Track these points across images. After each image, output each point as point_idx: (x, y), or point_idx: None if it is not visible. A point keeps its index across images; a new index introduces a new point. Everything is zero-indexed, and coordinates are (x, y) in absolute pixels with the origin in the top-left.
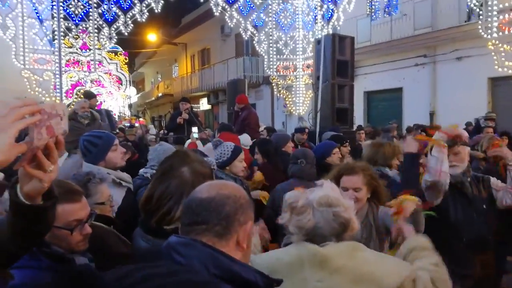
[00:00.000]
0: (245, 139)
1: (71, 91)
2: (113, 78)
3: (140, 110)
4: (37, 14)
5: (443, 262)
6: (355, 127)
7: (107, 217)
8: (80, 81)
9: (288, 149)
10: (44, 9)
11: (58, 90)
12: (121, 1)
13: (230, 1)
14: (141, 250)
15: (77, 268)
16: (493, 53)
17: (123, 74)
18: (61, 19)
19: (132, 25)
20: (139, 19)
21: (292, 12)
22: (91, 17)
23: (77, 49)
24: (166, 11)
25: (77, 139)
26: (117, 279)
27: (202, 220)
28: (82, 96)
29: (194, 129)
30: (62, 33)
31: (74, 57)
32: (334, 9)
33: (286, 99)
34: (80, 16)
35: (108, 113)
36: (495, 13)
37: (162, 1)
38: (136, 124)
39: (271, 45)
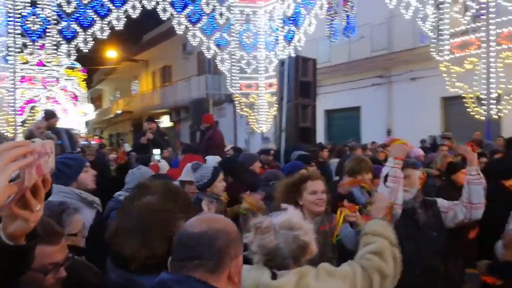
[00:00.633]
0: (214, 160)
1: (24, 108)
2: (68, 95)
3: (98, 127)
4: None
5: None
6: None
7: (79, 248)
8: (34, 98)
9: (255, 169)
10: (0, 24)
11: (11, 107)
12: (80, 18)
13: (193, 20)
14: (114, 283)
15: None
16: (445, 75)
17: (79, 91)
18: (18, 35)
19: (92, 42)
20: (99, 36)
21: (254, 32)
22: (49, 34)
23: (32, 66)
24: (127, 28)
25: None
26: None
27: (194, 255)
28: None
29: (156, 151)
30: (18, 49)
31: (29, 74)
32: (295, 30)
33: (249, 117)
34: (38, 33)
35: (68, 132)
36: (446, 36)
37: (124, 19)
38: (93, 142)
39: (233, 64)
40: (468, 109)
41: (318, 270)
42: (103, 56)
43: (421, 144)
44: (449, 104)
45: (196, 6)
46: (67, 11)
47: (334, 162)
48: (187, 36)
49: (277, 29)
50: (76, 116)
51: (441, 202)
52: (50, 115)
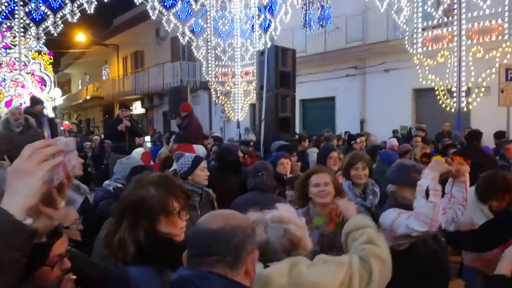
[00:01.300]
0: (201, 150)
1: None
2: (35, 79)
3: (66, 112)
4: None
5: None
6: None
7: (75, 241)
8: None
9: None
10: None
11: None
12: (50, 0)
13: (168, 6)
14: (112, 275)
15: None
16: (417, 67)
17: (47, 75)
18: None
19: (62, 25)
20: (70, 20)
21: (230, 20)
22: (16, 16)
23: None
24: (97, 11)
25: (5, 150)
26: None
27: (213, 252)
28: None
29: (147, 138)
30: None
31: None
32: (271, 19)
33: (225, 105)
34: (4, 14)
35: (50, 120)
36: (419, 30)
37: (95, 2)
38: (61, 128)
39: (209, 51)
40: (438, 101)
41: (314, 259)
42: (71, 40)
43: (393, 134)
44: (421, 96)
45: None
46: None
47: (312, 151)
48: (162, 21)
49: (253, 17)
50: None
51: None
52: (34, 102)
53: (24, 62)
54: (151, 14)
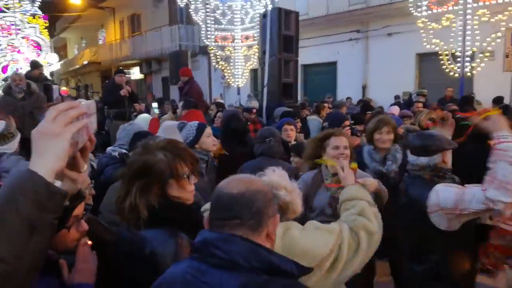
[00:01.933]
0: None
1: None
2: (31, 43)
3: (64, 78)
4: None
5: None
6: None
7: (84, 196)
8: None
9: None
10: None
11: None
12: None
13: None
14: (125, 239)
15: None
16: (422, 31)
17: (42, 39)
18: None
19: None
20: None
21: None
22: None
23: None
24: None
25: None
26: None
27: (235, 215)
28: None
29: (154, 105)
30: None
31: None
32: None
33: (225, 70)
34: None
35: (46, 86)
36: None
37: None
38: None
39: (208, 14)
40: (441, 66)
41: (306, 225)
42: (66, 2)
43: (395, 100)
44: (424, 61)
45: None
46: None
47: (313, 119)
48: None
49: None
50: None
51: None
52: (34, 65)
53: (18, 26)
54: None
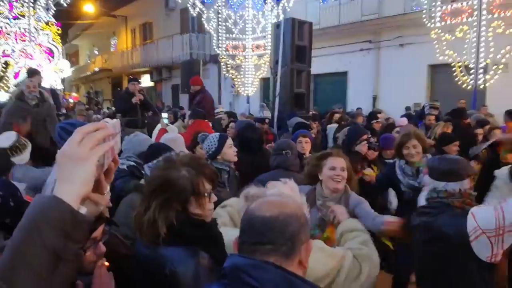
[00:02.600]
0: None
1: None
2: (44, 50)
3: (74, 84)
4: None
5: None
6: None
7: (106, 218)
8: (5, 52)
9: None
10: None
11: None
12: None
13: None
14: (143, 255)
15: None
16: (435, 42)
17: (55, 46)
18: None
19: None
20: None
21: None
22: None
23: (9, 18)
24: None
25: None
26: None
27: (267, 240)
28: (7, 67)
29: (164, 115)
30: None
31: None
32: None
33: (235, 79)
34: None
35: (53, 92)
36: (438, 3)
37: None
38: (70, 100)
39: (220, 23)
40: (454, 78)
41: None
42: (79, 11)
43: (406, 111)
44: (436, 72)
45: None
46: None
47: (332, 127)
48: None
49: None
50: (52, 73)
51: None
52: (31, 72)
53: (32, 34)
54: None
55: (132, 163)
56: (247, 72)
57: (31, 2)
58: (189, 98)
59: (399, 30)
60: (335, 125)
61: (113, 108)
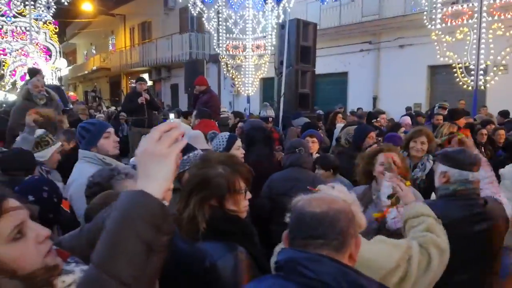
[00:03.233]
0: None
1: None
2: (41, 48)
3: (72, 83)
4: None
5: None
6: None
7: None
8: (4, 49)
9: None
10: None
11: None
12: None
13: None
14: (182, 251)
15: None
16: (435, 43)
17: (52, 45)
18: None
19: None
20: None
21: None
22: None
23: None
24: None
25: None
26: None
27: (319, 235)
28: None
29: (171, 115)
30: None
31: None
32: None
33: (235, 79)
34: None
35: (58, 89)
36: (439, 5)
37: None
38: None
39: (220, 23)
40: (453, 79)
41: (373, 239)
42: (77, 9)
43: (406, 111)
44: (435, 73)
45: None
46: None
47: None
48: None
49: None
50: (49, 71)
51: None
52: (32, 72)
53: (33, 31)
54: None
55: None
56: (247, 72)
57: (32, 0)
58: (193, 98)
59: (399, 31)
60: (342, 124)
61: (113, 108)
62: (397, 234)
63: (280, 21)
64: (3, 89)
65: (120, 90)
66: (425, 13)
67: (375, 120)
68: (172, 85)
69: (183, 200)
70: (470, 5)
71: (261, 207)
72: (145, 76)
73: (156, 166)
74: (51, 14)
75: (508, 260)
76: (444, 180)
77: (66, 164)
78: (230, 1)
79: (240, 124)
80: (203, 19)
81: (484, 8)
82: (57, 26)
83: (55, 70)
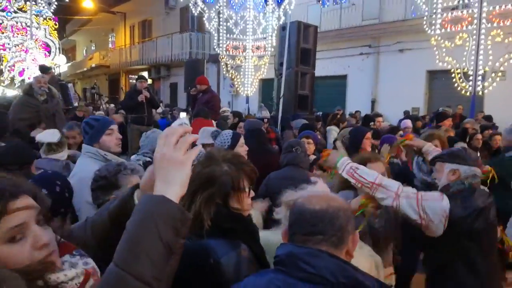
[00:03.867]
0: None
1: None
2: (40, 44)
3: (70, 80)
4: None
5: None
6: None
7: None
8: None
9: None
10: None
11: None
12: None
13: None
14: (186, 247)
15: None
16: (435, 48)
17: (52, 41)
18: None
19: None
20: None
21: None
22: None
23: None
24: None
25: (33, 116)
26: None
27: (318, 231)
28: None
29: (182, 114)
30: None
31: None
32: None
33: (234, 79)
34: None
35: (62, 87)
36: (439, 10)
37: None
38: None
39: (221, 23)
40: (452, 84)
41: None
42: (78, 6)
43: (404, 115)
44: (434, 78)
45: None
46: None
47: (331, 129)
48: None
49: None
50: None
51: None
52: (44, 69)
53: (30, 27)
54: None
55: (148, 159)
56: (246, 73)
57: None
58: (191, 97)
59: (399, 36)
60: (334, 127)
61: (112, 105)
62: None
63: (281, 23)
64: (2, 84)
65: (120, 88)
66: (425, 18)
67: (372, 123)
68: (172, 84)
69: (188, 197)
70: (470, 11)
71: None
72: (144, 74)
73: (175, 173)
74: (52, 10)
75: None
76: (454, 177)
77: None
78: (231, 2)
79: (240, 124)
80: (204, 19)
81: (484, 15)
82: (57, 22)
83: (54, 66)
